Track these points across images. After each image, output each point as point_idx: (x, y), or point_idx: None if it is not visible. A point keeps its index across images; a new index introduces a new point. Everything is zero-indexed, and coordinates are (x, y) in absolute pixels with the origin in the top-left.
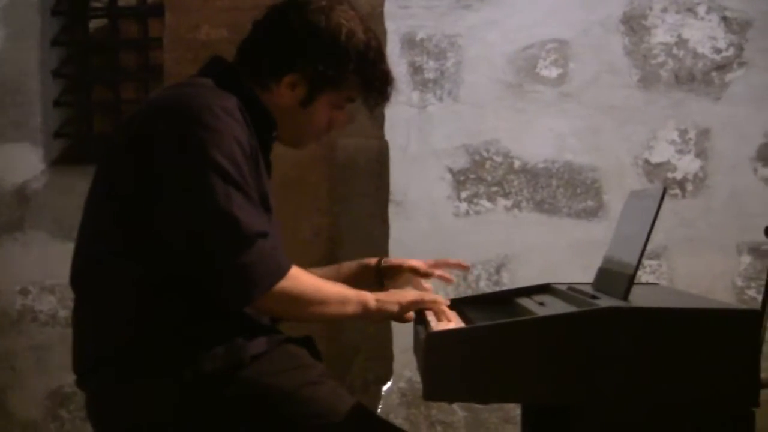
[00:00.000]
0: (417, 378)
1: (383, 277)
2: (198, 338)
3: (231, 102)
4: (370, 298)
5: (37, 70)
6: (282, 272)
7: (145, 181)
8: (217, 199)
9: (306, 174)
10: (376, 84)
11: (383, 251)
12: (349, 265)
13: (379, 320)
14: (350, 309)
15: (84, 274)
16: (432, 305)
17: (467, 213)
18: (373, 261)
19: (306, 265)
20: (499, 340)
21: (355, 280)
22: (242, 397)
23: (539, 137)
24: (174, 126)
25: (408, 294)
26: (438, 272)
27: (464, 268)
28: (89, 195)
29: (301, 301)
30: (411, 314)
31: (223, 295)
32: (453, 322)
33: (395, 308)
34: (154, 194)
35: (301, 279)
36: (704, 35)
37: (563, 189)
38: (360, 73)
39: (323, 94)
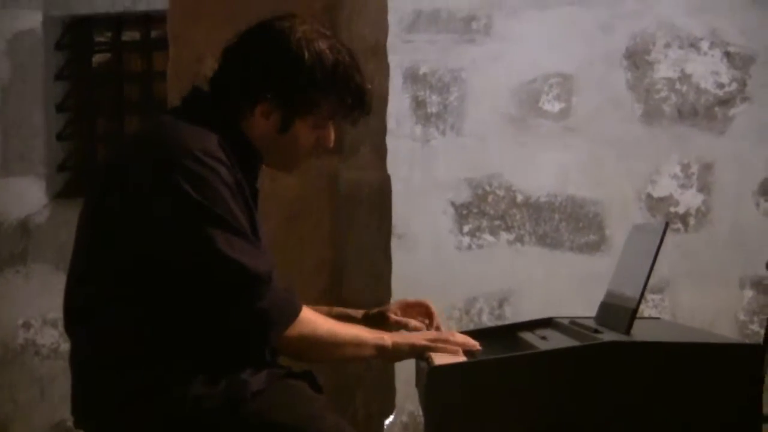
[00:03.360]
0: (419, 411)
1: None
2: (198, 376)
3: (211, 142)
4: (387, 339)
5: (41, 103)
6: (295, 312)
7: (137, 229)
8: (218, 248)
9: (309, 206)
10: (350, 101)
11: (386, 284)
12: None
13: (393, 362)
14: (366, 352)
15: (77, 320)
16: (444, 350)
17: (469, 246)
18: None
19: (310, 297)
20: (502, 374)
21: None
22: None
23: (542, 171)
24: (161, 177)
25: (421, 337)
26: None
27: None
28: (78, 237)
29: (317, 345)
30: None
31: (240, 339)
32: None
33: (406, 350)
34: (149, 243)
35: (316, 323)
36: (707, 70)
37: (566, 223)
38: (331, 93)
39: (299, 119)
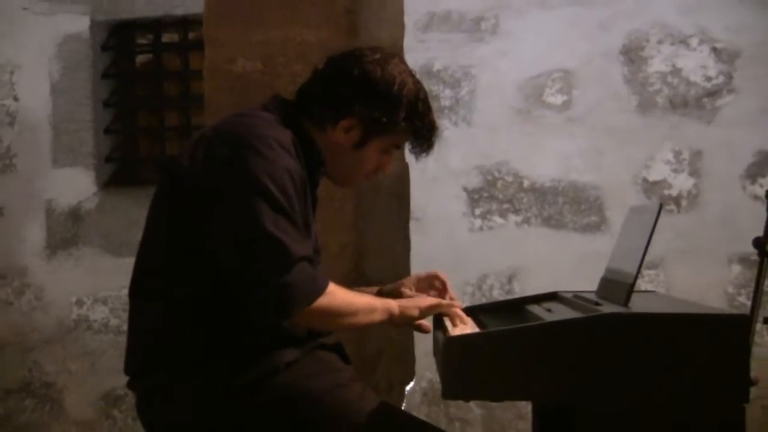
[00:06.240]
0: (437, 379)
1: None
2: (239, 347)
3: (286, 136)
4: (394, 305)
5: (89, 100)
6: (320, 292)
7: (199, 203)
8: (265, 224)
9: (333, 192)
10: (424, 132)
11: (405, 265)
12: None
13: (402, 324)
14: (377, 317)
15: (138, 284)
16: (448, 309)
17: (481, 228)
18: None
19: (334, 278)
20: (511, 343)
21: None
22: (278, 400)
23: (546, 158)
24: (230, 152)
25: (426, 300)
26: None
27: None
28: (150, 209)
29: (335, 315)
30: (428, 325)
31: (263, 311)
32: (468, 326)
33: (416, 312)
34: (206, 214)
35: (336, 295)
36: (696, 65)
37: (569, 206)
38: (410, 121)
39: (375, 139)
